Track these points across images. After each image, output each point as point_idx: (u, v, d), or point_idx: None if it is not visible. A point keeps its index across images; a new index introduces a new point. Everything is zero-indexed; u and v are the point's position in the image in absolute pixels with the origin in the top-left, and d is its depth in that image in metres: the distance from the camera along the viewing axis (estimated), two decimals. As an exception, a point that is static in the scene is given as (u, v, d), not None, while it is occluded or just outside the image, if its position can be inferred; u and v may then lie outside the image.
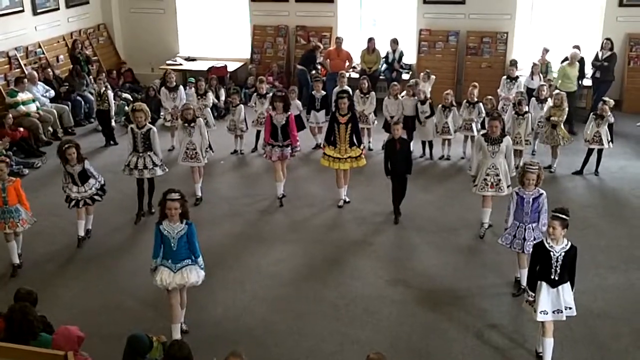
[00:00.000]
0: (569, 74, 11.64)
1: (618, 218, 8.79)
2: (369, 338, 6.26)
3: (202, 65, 14.32)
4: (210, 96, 11.42)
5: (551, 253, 5.52)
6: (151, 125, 8.49)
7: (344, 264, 7.69)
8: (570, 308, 5.63)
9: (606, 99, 10.31)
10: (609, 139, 9.97)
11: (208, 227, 8.44)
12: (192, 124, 8.95)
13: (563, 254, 5.52)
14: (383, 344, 6.02)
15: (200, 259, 6.14)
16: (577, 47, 12.54)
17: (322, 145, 9.95)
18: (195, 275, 6.10)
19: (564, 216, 5.52)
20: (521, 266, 6.81)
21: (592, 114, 10.14)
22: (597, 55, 12.47)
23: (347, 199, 9.16)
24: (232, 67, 14.41)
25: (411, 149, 9.50)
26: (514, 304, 6.77)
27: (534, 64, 11.96)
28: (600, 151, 10.06)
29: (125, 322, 6.34)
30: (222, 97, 12.28)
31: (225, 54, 14.94)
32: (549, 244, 5.56)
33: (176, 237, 5.95)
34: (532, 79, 11.74)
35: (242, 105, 11.11)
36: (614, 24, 12.96)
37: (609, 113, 9.80)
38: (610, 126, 9.98)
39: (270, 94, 11.08)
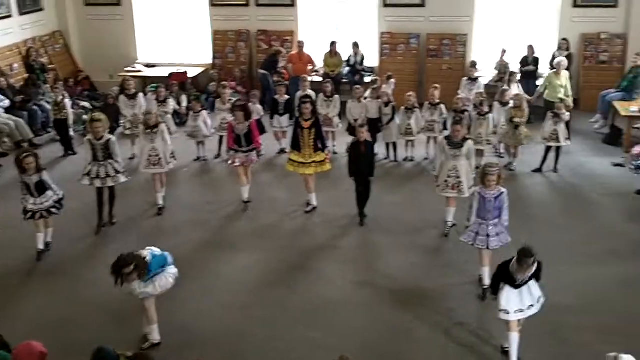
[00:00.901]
0: (554, 83, 11.38)
1: (578, 214, 8.97)
2: (337, 342, 6.22)
3: (162, 72, 14.15)
4: (171, 103, 11.27)
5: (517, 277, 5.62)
6: (110, 136, 8.30)
7: (310, 269, 7.67)
8: (540, 297, 5.73)
9: (562, 97, 10.56)
10: (567, 136, 10.19)
11: (172, 236, 8.34)
12: (155, 130, 8.82)
13: (530, 274, 5.60)
14: (352, 348, 5.99)
15: (168, 260, 6.09)
16: (530, 47, 12.82)
17: (287, 151, 9.94)
18: (165, 280, 6.03)
19: (533, 259, 5.51)
20: (483, 264, 6.88)
21: (549, 112, 10.34)
22: (553, 55, 12.76)
23: (315, 204, 9.12)
24: (193, 72, 14.27)
25: (375, 151, 9.53)
26: (479, 302, 6.85)
27: (512, 73, 11.90)
28: (558, 149, 10.27)
29: (89, 335, 6.19)
30: (184, 104, 12.14)
31: (186, 60, 14.78)
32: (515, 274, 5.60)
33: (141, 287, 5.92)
34: (510, 87, 11.47)
35: (204, 112, 11.01)
36: (569, 24, 13.24)
37: (564, 111, 10.02)
38: (567, 124, 10.20)
39: (232, 100, 11.07)
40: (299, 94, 11.07)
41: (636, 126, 11.64)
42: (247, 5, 14.36)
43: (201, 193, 9.93)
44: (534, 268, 5.56)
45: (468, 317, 6.63)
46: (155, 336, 6.22)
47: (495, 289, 5.81)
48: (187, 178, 10.46)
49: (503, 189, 6.71)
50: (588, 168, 10.60)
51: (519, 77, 12.08)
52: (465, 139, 8.07)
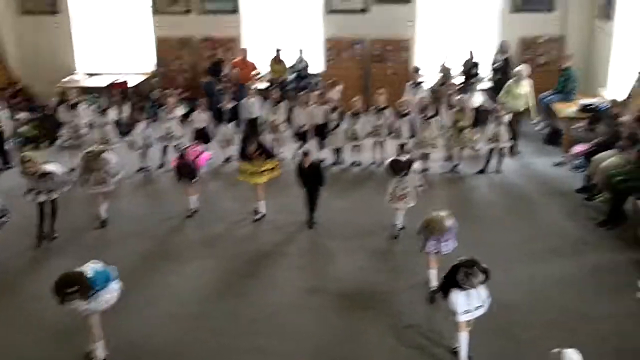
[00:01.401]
0: (514, 92, 11.26)
1: (522, 214, 9.15)
2: (289, 349, 6.17)
3: (102, 81, 13.82)
4: (111, 113, 10.98)
5: None
6: (44, 168, 7.98)
7: (260, 276, 7.58)
8: (487, 297, 5.80)
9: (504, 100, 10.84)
10: (508, 137, 10.43)
11: (117, 248, 8.12)
12: (99, 159, 8.59)
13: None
14: (304, 354, 5.97)
15: (111, 274, 5.90)
16: (470, 52, 13.10)
17: (233, 160, 9.85)
18: (109, 295, 5.83)
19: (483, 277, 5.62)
20: (431, 267, 6.93)
21: (489, 114, 10.57)
22: (495, 59, 13.06)
23: (264, 212, 9.05)
24: (136, 80, 13.99)
25: (323, 157, 9.49)
26: (429, 304, 6.88)
27: (471, 83, 11.98)
28: (501, 150, 10.50)
29: (32, 353, 5.99)
30: (125, 113, 11.86)
31: (128, 68, 14.50)
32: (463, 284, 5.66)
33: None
34: (471, 95, 11.60)
35: (144, 122, 10.76)
36: (508, 28, 13.59)
37: (503, 113, 10.27)
38: (511, 127, 10.45)
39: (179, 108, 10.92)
40: (244, 101, 11.04)
41: (574, 127, 12.01)
42: (190, 12, 14.21)
43: (145, 204, 9.71)
44: (482, 278, 5.62)
45: (418, 319, 6.66)
46: (101, 353, 6.01)
47: (444, 290, 5.86)
48: (131, 189, 10.21)
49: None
50: (531, 168, 10.87)
51: (480, 85, 12.16)
52: (409, 165, 8.10)
